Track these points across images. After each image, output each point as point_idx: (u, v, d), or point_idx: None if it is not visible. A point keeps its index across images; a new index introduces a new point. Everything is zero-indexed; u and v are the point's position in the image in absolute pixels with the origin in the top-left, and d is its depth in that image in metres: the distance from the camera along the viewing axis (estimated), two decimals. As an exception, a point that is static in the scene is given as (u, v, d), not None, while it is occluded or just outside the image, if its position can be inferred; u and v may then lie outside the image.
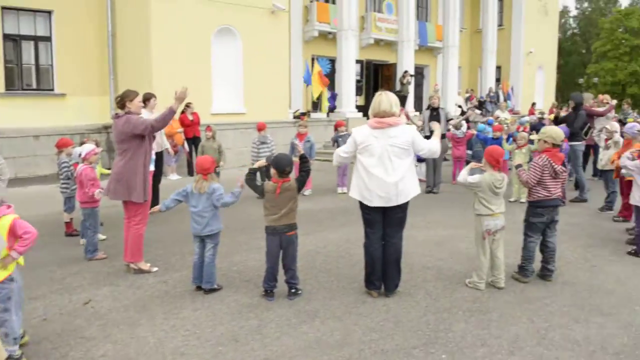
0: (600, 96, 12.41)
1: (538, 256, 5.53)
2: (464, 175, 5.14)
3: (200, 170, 5.08)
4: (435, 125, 5.27)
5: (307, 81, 18.20)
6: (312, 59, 20.16)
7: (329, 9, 20.98)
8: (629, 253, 6.43)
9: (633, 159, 6.52)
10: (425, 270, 5.83)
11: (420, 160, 12.14)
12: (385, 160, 4.66)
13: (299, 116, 17.59)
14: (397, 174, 4.66)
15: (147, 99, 9.61)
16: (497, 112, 18.53)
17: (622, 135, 8.18)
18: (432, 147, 4.86)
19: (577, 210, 9.16)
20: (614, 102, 11.82)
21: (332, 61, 20.35)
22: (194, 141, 13.39)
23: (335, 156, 5.01)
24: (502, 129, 11.29)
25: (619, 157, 7.65)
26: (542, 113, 14.75)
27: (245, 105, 15.79)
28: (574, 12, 68.64)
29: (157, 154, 8.67)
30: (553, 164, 5.18)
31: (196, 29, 14.56)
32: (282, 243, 4.83)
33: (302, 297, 5.01)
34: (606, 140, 9.02)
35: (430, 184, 10.99)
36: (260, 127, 10.47)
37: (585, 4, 67.36)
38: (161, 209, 5.15)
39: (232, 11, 15.21)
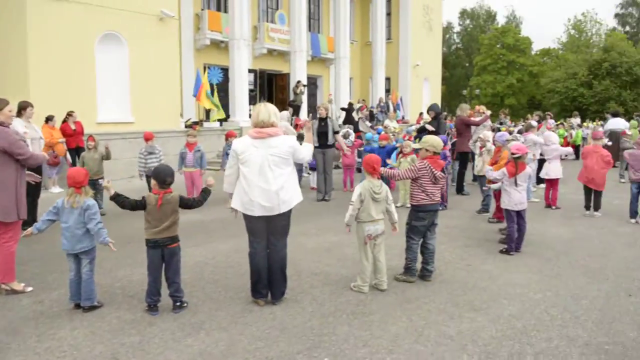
0: (477, 107, 13.32)
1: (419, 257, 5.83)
2: (347, 216, 5.31)
3: (73, 183, 4.82)
4: (306, 130, 5.40)
5: (194, 93, 17.98)
6: (205, 68, 19.91)
7: (221, 18, 20.86)
8: (501, 252, 6.95)
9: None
10: (313, 276, 5.95)
11: (312, 168, 12.39)
12: (266, 169, 4.71)
13: (191, 125, 17.27)
14: (278, 182, 4.73)
15: (22, 107, 9.04)
16: (387, 122, 19.30)
17: (493, 143, 8.82)
18: (308, 153, 4.99)
19: (457, 213, 9.74)
20: (489, 112, 12.73)
21: (225, 70, 20.21)
22: (77, 152, 12.74)
23: (225, 180, 4.96)
24: (388, 137, 11.77)
25: (492, 164, 8.28)
26: (427, 123, 15.55)
27: (134, 114, 15.28)
28: (457, 28, 73.15)
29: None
30: (433, 170, 5.51)
31: (79, 35, 13.89)
32: (164, 256, 4.73)
33: (188, 309, 4.92)
34: (480, 148, 9.67)
35: (322, 192, 11.22)
36: (147, 137, 10.17)
37: (467, 21, 71.99)
38: (33, 231, 4.85)
39: (118, 17, 14.69)
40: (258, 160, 4.71)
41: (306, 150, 4.97)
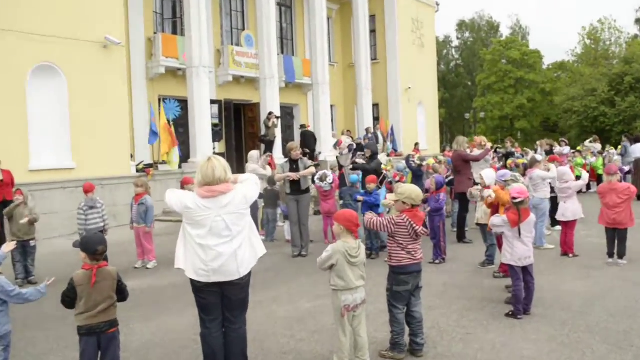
0: (477, 138, 13.48)
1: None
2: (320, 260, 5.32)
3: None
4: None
5: (151, 140, 18.09)
6: (159, 100, 20.00)
7: (177, 42, 21.06)
8: (507, 315, 6.93)
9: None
10: (283, 356, 5.88)
11: (286, 217, 12.39)
12: (221, 229, 4.75)
13: (144, 169, 17.25)
14: (236, 241, 4.79)
15: None
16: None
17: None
18: (251, 188, 5.01)
19: (457, 266, 9.75)
20: (490, 145, 12.89)
21: (184, 102, 20.32)
22: (4, 205, 12.60)
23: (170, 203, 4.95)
24: (375, 180, 11.74)
25: (490, 208, 8.35)
26: (421, 159, 15.67)
27: (75, 159, 15.23)
28: (455, 42, 74.65)
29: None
30: (413, 224, 5.52)
31: (5, 67, 13.92)
32: (100, 343, 4.65)
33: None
34: (480, 193, 9.70)
35: (298, 246, 11.20)
36: (87, 189, 10.14)
37: (467, 34, 73.54)
38: None
39: (55, 45, 14.77)
40: (209, 223, 4.74)
41: (252, 186, 5.02)
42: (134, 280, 9.48)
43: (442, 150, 25.77)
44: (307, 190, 11.32)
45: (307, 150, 19.67)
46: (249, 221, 4.96)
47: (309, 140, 21.58)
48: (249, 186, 5.01)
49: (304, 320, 7.05)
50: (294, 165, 11.15)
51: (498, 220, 7.17)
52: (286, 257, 11.02)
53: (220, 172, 4.82)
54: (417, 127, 31.51)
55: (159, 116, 18.02)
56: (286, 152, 11.72)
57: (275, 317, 7.19)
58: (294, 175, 10.97)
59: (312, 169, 11.48)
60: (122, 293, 4.84)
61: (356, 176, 12.52)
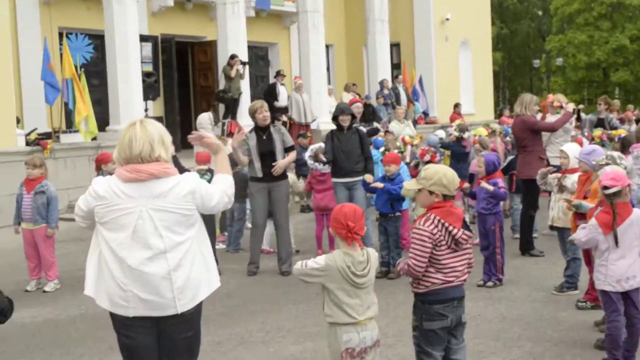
0: (551, 97, 13.41)
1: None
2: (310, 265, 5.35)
3: None
4: (234, 150, 5.51)
5: (50, 97, 17.94)
6: (61, 35, 19.87)
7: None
8: (598, 365, 6.99)
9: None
10: None
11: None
12: (149, 236, 4.75)
13: (37, 141, 17.16)
14: (171, 259, 4.76)
15: None
16: (393, 125, 19.33)
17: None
18: (222, 194, 5.07)
19: (520, 292, 9.81)
20: (571, 106, 12.82)
21: (99, 38, 20.23)
22: None
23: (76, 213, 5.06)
24: (398, 159, 11.70)
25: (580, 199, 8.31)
26: (462, 129, 15.47)
27: None
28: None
29: None
30: (448, 226, 5.52)
31: None
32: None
33: None
34: (561, 173, 9.66)
35: (255, 261, 11.33)
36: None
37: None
38: None
39: None
40: (132, 221, 4.75)
41: (219, 190, 5.05)
42: (25, 310, 9.47)
43: (498, 115, 25.85)
44: (284, 175, 11.30)
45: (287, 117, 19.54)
46: (198, 233, 4.95)
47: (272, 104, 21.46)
48: (212, 186, 5.05)
49: (287, 372, 7.10)
50: (262, 135, 11.14)
51: (584, 232, 7.00)
52: (258, 276, 11.04)
53: (141, 144, 4.79)
54: (459, 80, 31.50)
55: (63, 60, 17.88)
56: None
57: (242, 367, 7.24)
58: (279, 166, 10.85)
59: (292, 156, 11.47)
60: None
61: (382, 140, 12.51)
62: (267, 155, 11.01)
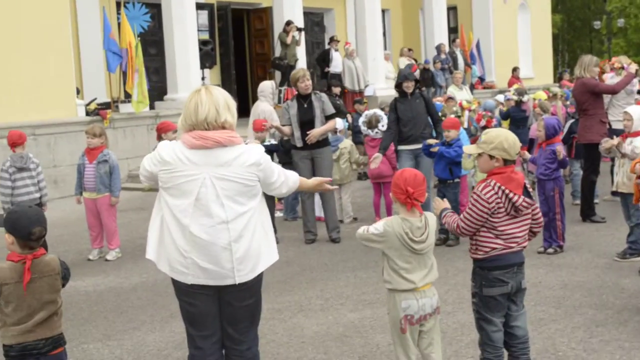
0: (614, 59, 13.15)
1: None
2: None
3: None
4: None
5: (112, 66, 18.01)
6: (119, 5, 19.98)
7: None
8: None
9: None
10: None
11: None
12: (211, 205, 4.75)
13: (97, 111, 17.33)
14: (233, 229, 4.77)
15: None
16: (451, 90, 19.12)
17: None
18: (290, 183, 5.15)
19: (581, 259, 9.70)
20: (634, 67, 12.57)
21: (155, 7, 20.31)
22: None
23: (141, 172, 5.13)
24: (457, 123, 11.62)
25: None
26: (520, 93, 15.29)
27: (-8, 96, 15.40)
28: None
29: None
30: (509, 193, 5.45)
31: None
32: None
33: None
34: (623, 137, 9.53)
35: (312, 229, 11.40)
36: (16, 141, 10.21)
37: None
38: None
39: None
40: (195, 188, 4.76)
41: (282, 173, 5.08)
42: (88, 278, 9.62)
43: (558, 78, 25.48)
44: (326, 141, 11.28)
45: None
46: (260, 206, 4.97)
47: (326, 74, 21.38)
48: (285, 174, 5.11)
49: (346, 339, 7.11)
50: (304, 104, 11.09)
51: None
52: (316, 244, 11.10)
53: (207, 109, 4.79)
54: (518, 43, 31.12)
55: (122, 29, 17.98)
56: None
57: (302, 334, 7.24)
58: (313, 135, 10.83)
59: (335, 122, 11.42)
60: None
61: (440, 104, 12.27)
62: (306, 124, 10.99)
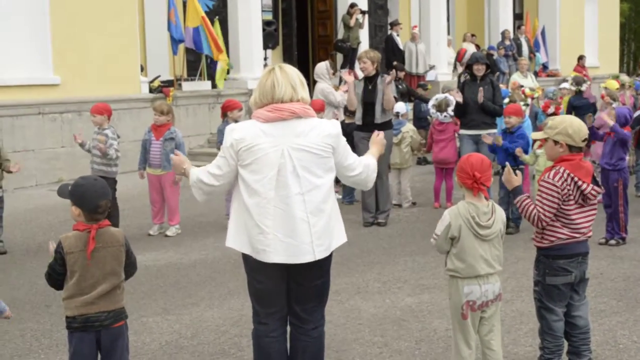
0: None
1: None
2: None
3: None
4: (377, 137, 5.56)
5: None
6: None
7: None
8: None
9: None
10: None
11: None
12: (289, 176, 4.78)
13: (160, 88, 17.47)
14: (311, 201, 4.81)
15: None
16: (515, 77, 18.97)
17: None
18: (369, 168, 5.20)
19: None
20: None
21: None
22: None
23: (196, 184, 5.06)
24: (519, 111, 11.51)
25: None
26: (578, 82, 15.03)
27: (58, 71, 15.54)
28: None
29: None
30: (577, 181, 5.41)
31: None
32: (100, 343, 4.82)
33: None
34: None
35: (371, 210, 11.33)
36: (104, 112, 10.58)
37: None
38: None
39: None
40: (273, 160, 4.79)
41: (369, 163, 5.24)
42: (148, 253, 9.76)
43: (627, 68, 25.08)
44: (389, 123, 11.27)
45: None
46: (332, 180, 5.01)
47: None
48: (362, 158, 5.23)
49: (403, 322, 7.12)
50: (369, 85, 11.10)
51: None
52: (374, 227, 11.15)
53: (284, 88, 4.84)
54: (584, 31, 30.72)
55: (188, 7, 18.07)
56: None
57: (359, 316, 7.25)
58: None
59: (399, 105, 11.36)
60: (128, 266, 4.98)
61: (507, 90, 12.18)
62: (369, 105, 11.06)
